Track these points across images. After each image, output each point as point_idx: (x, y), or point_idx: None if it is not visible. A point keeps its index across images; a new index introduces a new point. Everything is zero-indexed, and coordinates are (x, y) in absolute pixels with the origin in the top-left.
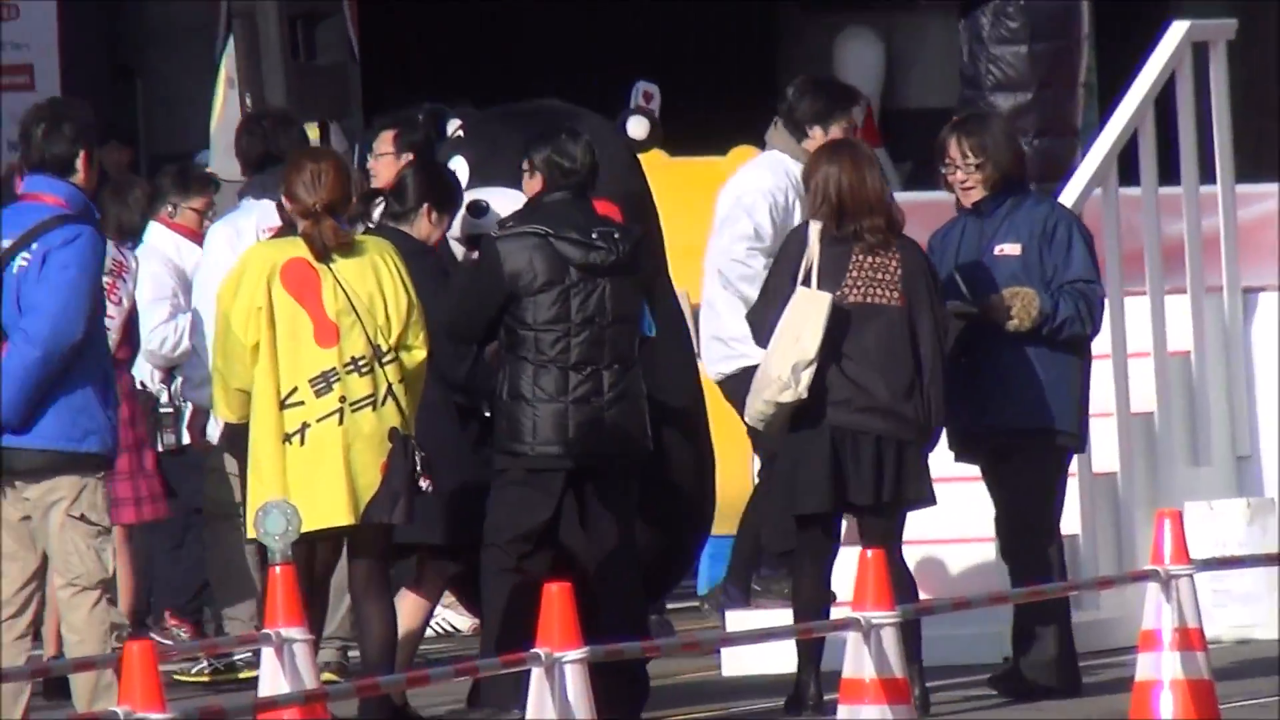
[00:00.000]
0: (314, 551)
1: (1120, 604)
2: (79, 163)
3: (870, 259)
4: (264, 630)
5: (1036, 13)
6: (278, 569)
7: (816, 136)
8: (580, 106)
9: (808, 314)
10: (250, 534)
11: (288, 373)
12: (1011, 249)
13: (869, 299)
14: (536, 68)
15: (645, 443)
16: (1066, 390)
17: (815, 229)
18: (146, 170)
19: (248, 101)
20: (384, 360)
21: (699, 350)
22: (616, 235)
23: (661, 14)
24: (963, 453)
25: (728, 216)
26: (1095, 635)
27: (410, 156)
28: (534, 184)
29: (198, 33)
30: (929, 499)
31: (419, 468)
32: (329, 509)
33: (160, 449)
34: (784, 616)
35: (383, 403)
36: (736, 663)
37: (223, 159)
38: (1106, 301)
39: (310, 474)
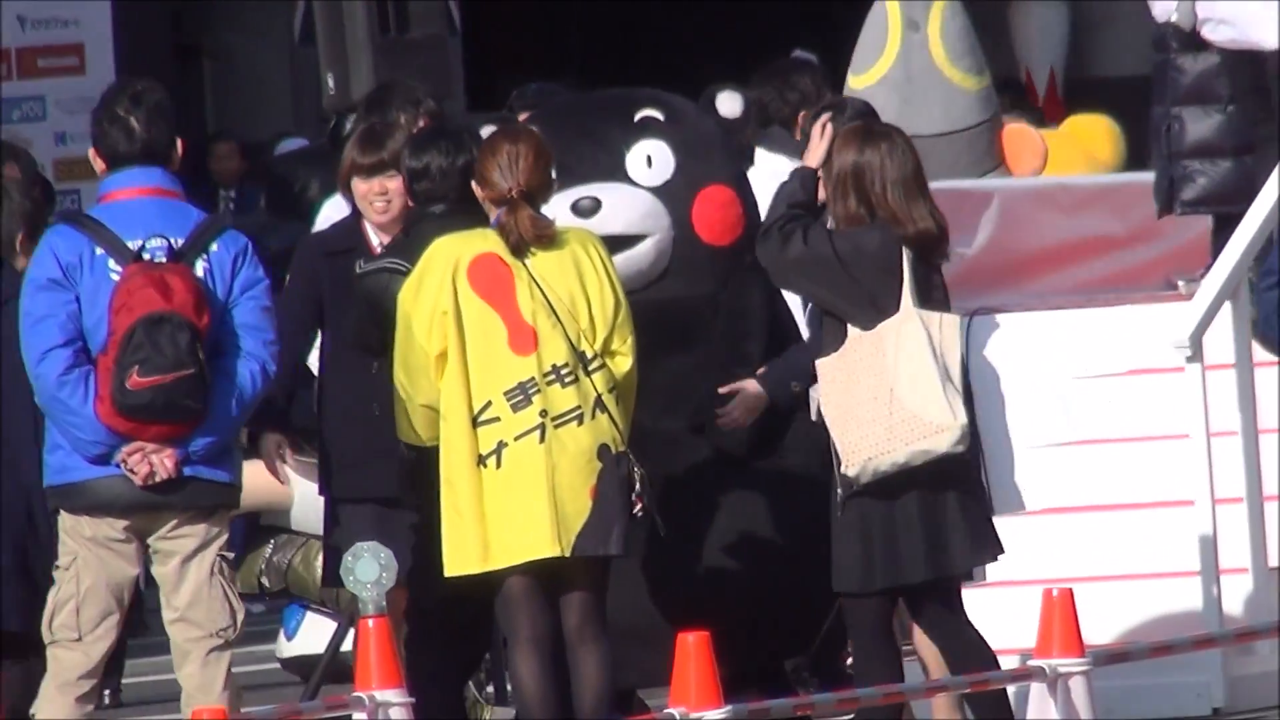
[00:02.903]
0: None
1: None
2: (178, 153)
3: None
4: (355, 694)
5: None
6: (370, 622)
7: None
8: (658, 89)
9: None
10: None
11: (480, 385)
12: None
13: None
14: (661, 42)
15: None
16: None
17: None
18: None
19: (330, 84)
20: (590, 368)
21: None
22: None
23: None
24: None
25: None
26: None
27: None
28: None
29: (272, 6)
30: None
31: (636, 489)
32: (534, 539)
33: None
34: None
35: (591, 416)
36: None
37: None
38: None
39: (509, 500)
